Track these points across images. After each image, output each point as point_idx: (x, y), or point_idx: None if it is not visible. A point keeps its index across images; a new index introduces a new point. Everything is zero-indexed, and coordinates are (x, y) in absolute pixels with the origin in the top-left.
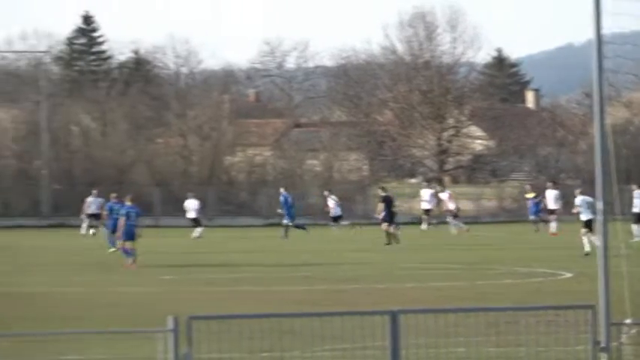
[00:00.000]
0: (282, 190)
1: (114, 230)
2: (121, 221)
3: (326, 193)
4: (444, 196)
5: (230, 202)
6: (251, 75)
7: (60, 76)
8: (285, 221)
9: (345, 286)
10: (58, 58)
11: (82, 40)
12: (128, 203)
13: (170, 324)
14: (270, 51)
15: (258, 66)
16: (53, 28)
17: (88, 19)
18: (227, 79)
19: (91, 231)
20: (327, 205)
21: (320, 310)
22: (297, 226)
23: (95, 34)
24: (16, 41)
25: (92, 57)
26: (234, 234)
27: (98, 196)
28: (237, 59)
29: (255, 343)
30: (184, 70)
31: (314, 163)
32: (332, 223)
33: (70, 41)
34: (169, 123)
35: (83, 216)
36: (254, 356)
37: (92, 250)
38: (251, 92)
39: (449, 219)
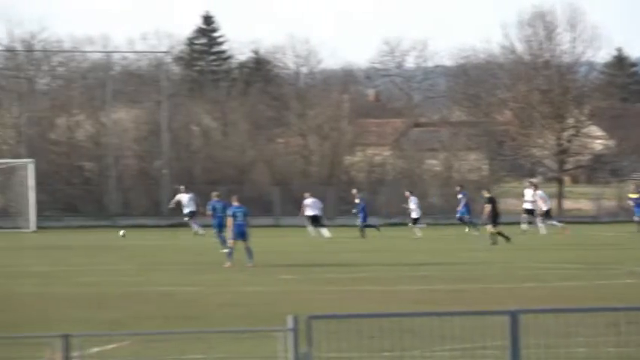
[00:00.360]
0: (354, 191)
1: (219, 230)
2: (229, 221)
3: (407, 193)
4: (536, 196)
5: (350, 201)
6: (370, 74)
7: (180, 76)
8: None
9: (464, 285)
10: (178, 59)
11: (203, 41)
12: (235, 203)
13: (290, 323)
14: (389, 51)
15: (377, 65)
16: (174, 29)
17: (208, 20)
18: (347, 78)
19: (200, 230)
20: (408, 206)
21: (439, 310)
22: (369, 226)
23: (215, 35)
24: (137, 41)
25: (212, 57)
26: (354, 233)
27: (186, 192)
28: (357, 59)
29: (374, 343)
30: (304, 69)
31: (433, 163)
32: (412, 225)
33: (191, 41)
34: (289, 123)
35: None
36: (374, 355)
37: (211, 250)
38: (370, 92)
39: (538, 219)
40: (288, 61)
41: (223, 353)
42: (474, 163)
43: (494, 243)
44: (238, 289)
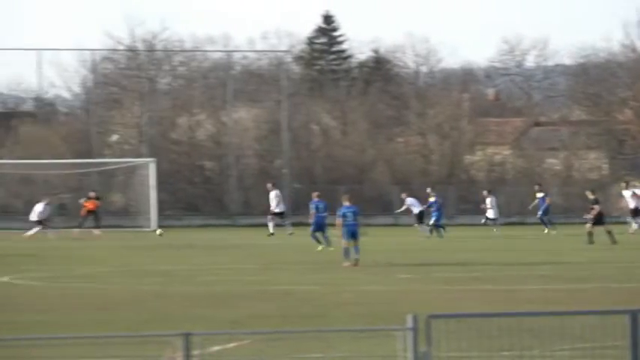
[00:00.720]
0: (428, 190)
1: (317, 229)
2: (339, 222)
3: (485, 193)
4: (627, 193)
5: (469, 200)
6: (490, 73)
7: (300, 76)
8: (432, 221)
9: (582, 285)
10: (298, 58)
11: (323, 40)
12: (346, 203)
13: (409, 322)
14: (509, 49)
15: (497, 64)
16: (294, 28)
17: (328, 19)
18: (466, 77)
19: (289, 230)
20: (485, 205)
21: (558, 309)
22: (438, 227)
23: (335, 34)
24: (258, 41)
25: (332, 56)
26: (474, 233)
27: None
28: (477, 58)
29: (493, 342)
30: (424, 68)
31: (553, 162)
32: (489, 223)
33: (311, 41)
34: (409, 122)
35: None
36: (493, 355)
37: (328, 249)
38: (490, 91)
39: (628, 218)
40: (408, 60)
41: (342, 352)
42: (593, 162)
43: (591, 242)
44: (357, 288)
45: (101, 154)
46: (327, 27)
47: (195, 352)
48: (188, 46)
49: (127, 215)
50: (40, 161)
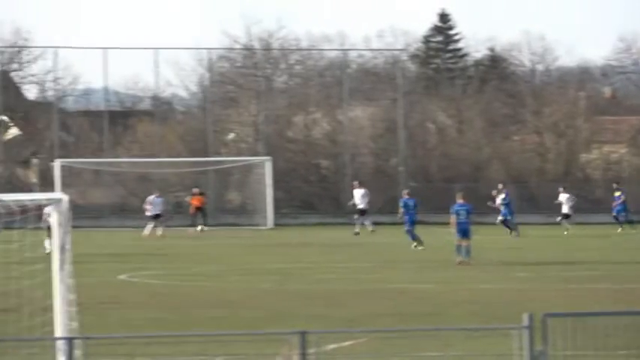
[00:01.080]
0: (500, 186)
1: (411, 226)
2: (452, 219)
3: (560, 189)
4: None
5: (586, 199)
6: (606, 72)
7: (416, 74)
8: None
9: None
10: (414, 56)
11: (439, 38)
12: (460, 201)
13: (525, 321)
14: (625, 48)
15: (613, 63)
16: (410, 26)
17: (444, 17)
18: (582, 75)
19: (370, 227)
20: (560, 202)
21: None
22: (507, 224)
23: (451, 32)
24: (374, 39)
25: (448, 55)
26: (591, 231)
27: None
28: (593, 56)
29: (610, 341)
30: (540, 67)
31: None
32: (562, 221)
33: (427, 39)
34: (525, 120)
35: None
36: (609, 354)
37: (444, 248)
38: (606, 89)
39: None
40: (524, 59)
41: (458, 351)
42: None
43: None
44: (473, 287)
45: (217, 153)
46: (443, 25)
47: (311, 351)
48: (304, 44)
49: (243, 213)
50: (156, 160)
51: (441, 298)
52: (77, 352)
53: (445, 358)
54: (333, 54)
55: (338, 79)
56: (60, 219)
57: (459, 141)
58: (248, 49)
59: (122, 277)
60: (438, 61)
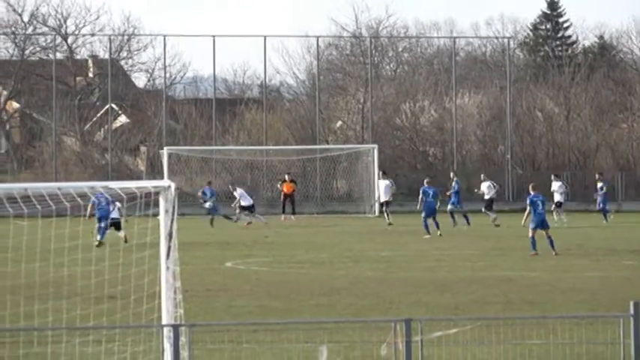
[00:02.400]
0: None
1: (428, 215)
2: (529, 210)
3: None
4: None
5: None
6: None
7: (524, 62)
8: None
9: None
10: (523, 44)
11: (547, 26)
12: (533, 192)
13: (632, 309)
14: None
15: None
16: (519, 14)
17: (553, 5)
18: None
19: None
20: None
21: None
22: (605, 212)
23: (560, 20)
24: (482, 27)
25: (557, 42)
26: None
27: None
28: None
29: None
30: None
31: None
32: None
33: (535, 27)
34: (633, 108)
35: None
36: None
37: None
38: None
39: None
40: (634, 46)
41: (564, 339)
42: None
43: None
44: (580, 275)
45: (325, 141)
46: (552, 13)
47: (417, 338)
48: (412, 32)
49: (350, 201)
50: (264, 147)
51: (547, 286)
52: (183, 339)
53: (551, 345)
54: (441, 42)
55: (446, 67)
56: (167, 206)
57: (567, 129)
58: (356, 37)
59: (228, 264)
60: (546, 48)
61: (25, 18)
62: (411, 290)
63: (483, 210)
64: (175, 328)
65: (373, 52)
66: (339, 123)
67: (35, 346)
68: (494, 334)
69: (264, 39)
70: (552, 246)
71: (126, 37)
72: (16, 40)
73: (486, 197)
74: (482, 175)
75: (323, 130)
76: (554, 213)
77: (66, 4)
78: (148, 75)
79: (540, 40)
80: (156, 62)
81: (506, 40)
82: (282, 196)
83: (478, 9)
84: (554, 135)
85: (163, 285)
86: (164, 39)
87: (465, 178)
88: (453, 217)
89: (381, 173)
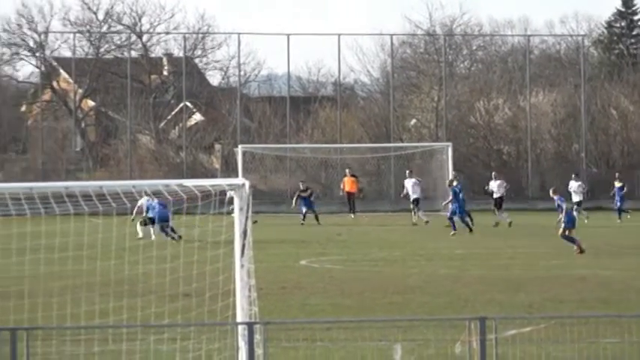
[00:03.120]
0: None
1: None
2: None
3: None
4: None
5: None
6: None
7: (599, 60)
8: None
9: None
10: (597, 42)
11: (622, 24)
12: (555, 196)
13: None
14: None
15: None
16: (593, 12)
17: (627, 3)
18: None
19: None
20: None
21: None
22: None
23: (635, 18)
24: (557, 24)
25: (631, 40)
26: None
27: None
28: None
29: None
30: None
31: None
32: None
33: (610, 24)
34: None
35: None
36: None
37: (625, 234)
38: None
39: None
40: None
41: (639, 337)
42: None
43: None
44: None
45: (399, 139)
46: (627, 11)
47: (491, 336)
48: (487, 30)
49: (424, 199)
50: (338, 145)
51: (621, 285)
52: (257, 337)
53: (625, 344)
54: (515, 40)
55: (520, 65)
56: (241, 204)
57: None
58: (430, 35)
59: (303, 262)
60: (620, 46)
61: (100, 16)
62: (485, 288)
63: (493, 209)
64: (250, 325)
65: (447, 50)
66: (414, 121)
67: (110, 343)
68: (568, 333)
69: (339, 37)
70: (575, 243)
71: (200, 36)
72: (92, 39)
73: (495, 196)
74: (493, 173)
75: (397, 128)
76: (575, 213)
77: (141, 3)
78: (223, 73)
79: (615, 38)
80: (230, 60)
81: (580, 38)
82: (345, 195)
83: (552, 7)
84: (628, 133)
85: (238, 283)
86: (238, 37)
87: (539, 176)
88: (453, 223)
89: (408, 172)
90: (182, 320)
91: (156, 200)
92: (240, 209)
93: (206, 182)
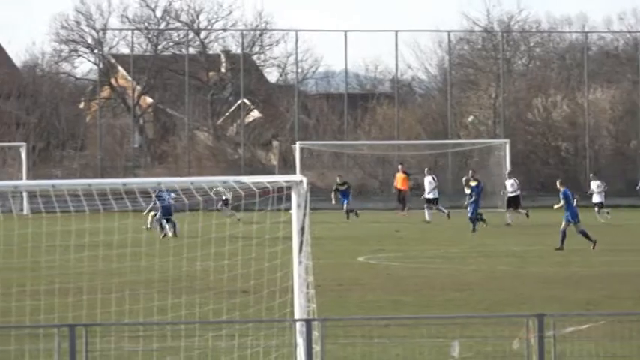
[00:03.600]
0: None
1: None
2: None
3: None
4: None
5: None
6: None
7: None
8: None
9: None
10: None
11: None
12: (563, 188)
13: None
14: None
15: None
16: None
17: None
18: None
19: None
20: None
21: None
22: None
23: None
24: (615, 21)
25: None
26: None
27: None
28: None
29: None
30: None
31: None
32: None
33: None
34: None
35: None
36: None
37: None
38: None
39: None
40: None
41: None
42: None
43: None
44: None
45: (457, 135)
46: None
47: (549, 333)
48: (544, 26)
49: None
50: (396, 142)
51: None
52: (315, 334)
53: None
54: (573, 36)
55: (578, 62)
56: (299, 201)
57: None
58: (488, 32)
59: (360, 258)
60: None
61: (158, 13)
62: (543, 285)
63: (514, 209)
64: (308, 322)
65: (505, 46)
66: (471, 118)
67: (169, 340)
68: (627, 330)
69: (396, 34)
70: (588, 238)
71: (258, 32)
72: (149, 36)
73: (510, 195)
74: (506, 172)
75: (455, 124)
76: (597, 214)
77: (198, 0)
78: (280, 70)
79: None
80: (288, 57)
81: (638, 35)
82: (397, 192)
83: (610, 3)
84: None
85: (296, 279)
86: (296, 34)
87: (598, 172)
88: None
89: (427, 170)
90: (240, 317)
91: (172, 194)
92: (298, 206)
93: (264, 179)
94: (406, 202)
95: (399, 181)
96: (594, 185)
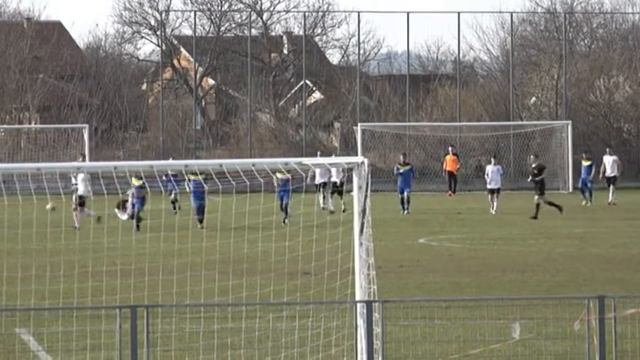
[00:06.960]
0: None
1: None
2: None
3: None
4: None
5: None
6: None
7: None
8: None
9: None
10: None
11: None
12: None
13: None
14: None
15: None
16: None
17: None
18: None
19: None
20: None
21: None
22: None
23: None
24: None
25: None
26: None
27: None
28: None
29: None
30: None
31: None
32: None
33: None
34: None
35: None
36: None
37: None
38: None
39: None
40: None
41: None
42: None
43: None
44: None
45: (519, 117)
46: None
47: (610, 315)
48: (607, 7)
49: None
50: (458, 124)
51: None
52: (376, 315)
53: None
54: (636, 17)
55: None
56: (360, 182)
57: None
58: (551, 13)
59: (421, 240)
60: None
61: None
62: (604, 267)
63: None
64: (369, 304)
65: (568, 28)
66: (533, 99)
67: (229, 321)
68: None
69: (458, 15)
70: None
71: (320, 14)
72: (212, 17)
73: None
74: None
75: (517, 106)
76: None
77: None
78: (342, 51)
79: None
80: (350, 39)
81: None
82: (446, 174)
83: None
84: None
85: (357, 261)
86: (358, 15)
87: None
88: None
89: (493, 159)
90: (301, 298)
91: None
92: (360, 187)
93: (325, 160)
94: (456, 182)
95: (449, 162)
96: (610, 160)
